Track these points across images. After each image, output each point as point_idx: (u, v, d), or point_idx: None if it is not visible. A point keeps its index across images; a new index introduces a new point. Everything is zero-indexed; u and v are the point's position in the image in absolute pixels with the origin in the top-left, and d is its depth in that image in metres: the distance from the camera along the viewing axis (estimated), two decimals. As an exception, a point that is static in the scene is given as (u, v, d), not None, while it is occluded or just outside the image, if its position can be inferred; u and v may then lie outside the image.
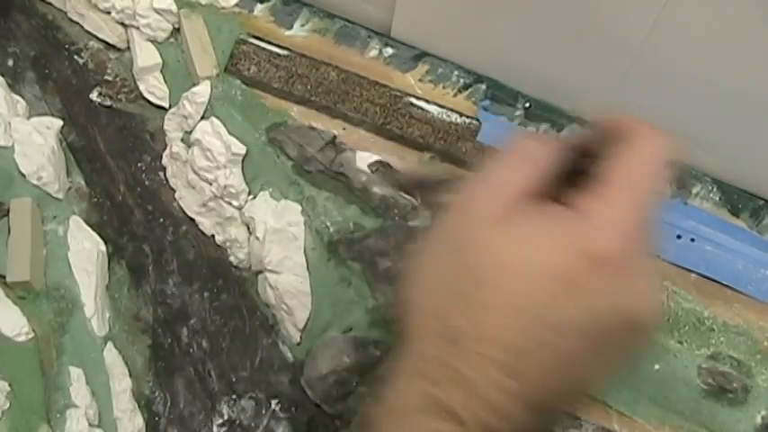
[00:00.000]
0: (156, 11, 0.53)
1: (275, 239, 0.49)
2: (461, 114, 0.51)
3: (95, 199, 0.52)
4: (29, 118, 0.51)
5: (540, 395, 0.31)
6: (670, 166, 0.33)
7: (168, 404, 0.49)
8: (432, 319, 0.32)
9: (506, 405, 0.30)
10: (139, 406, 0.48)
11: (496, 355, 0.30)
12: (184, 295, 0.51)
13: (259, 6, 0.54)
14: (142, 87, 0.54)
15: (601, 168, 0.32)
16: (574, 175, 0.33)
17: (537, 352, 0.30)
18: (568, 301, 0.30)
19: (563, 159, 0.33)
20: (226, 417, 0.48)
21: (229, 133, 0.50)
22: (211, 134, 0.50)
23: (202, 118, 0.51)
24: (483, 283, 0.31)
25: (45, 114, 0.53)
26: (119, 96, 0.55)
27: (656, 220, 0.32)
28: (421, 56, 0.53)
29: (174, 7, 0.53)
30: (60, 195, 0.50)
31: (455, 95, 0.52)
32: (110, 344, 0.48)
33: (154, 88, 0.54)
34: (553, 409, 0.33)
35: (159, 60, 0.53)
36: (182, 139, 0.52)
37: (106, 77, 0.55)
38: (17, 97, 0.52)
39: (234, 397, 0.49)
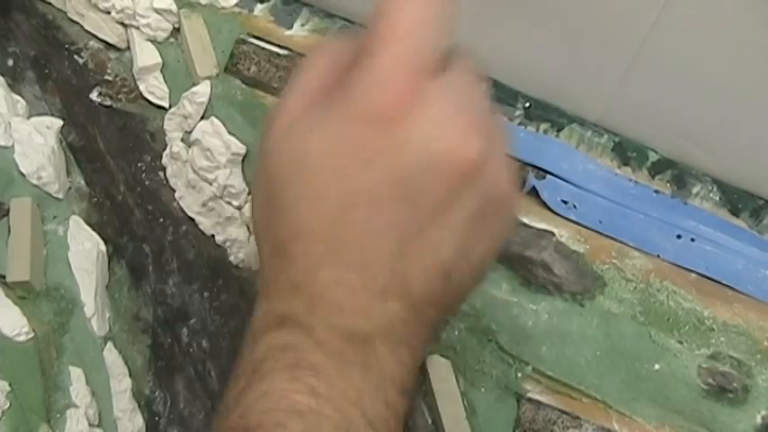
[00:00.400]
0: (156, 11, 0.53)
1: (275, 239, 0.49)
2: (461, 114, 0.51)
3: (95, 199, 0.52)
4: (29, 118, 0.51)
5: (389, 280, 0.29)
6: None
7: (168, 404, 0.49)
8: (263, 239, 0.32)
9: (351, 300, 0.29)
10: (139, 406, 0.48)
11: (319, 251, 0.29)
12: (184, 295, 0.51)
13: (259, 6, 0.54)
14: (142, 87, 0.54)
15: None
16: None
17: (358, 234, 0.29)
18: (360, 170, 0.29)
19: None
20: (226, 417, 0.48)
21: (229, 133, 0.50)
22: (211, 134, 0.50)
23: (202, 118, 0.51)
24: (286, 187, 0.31)
25: (45, 114, 0.53)
26: (119, 96, 0.55)
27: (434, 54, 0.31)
28: (421, 56, 0.53)
29: (174, 7, 0.53)
30: (60, 195, 0.50)
31: (455, 95, 0.52)
32: (110, 344, 0.48)
33: (154, 88, 0.54)
34: (426, 297, 0.31)
35: (159, 60, 0.53)
36: (182, 139, 0.52)
37: (106, 77, 0.55)
38: (17, 97, 0.52)
39: (234, 397, 0.49)
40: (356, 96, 0.30)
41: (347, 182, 0.30)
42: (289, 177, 0.31)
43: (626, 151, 0.51)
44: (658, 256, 0.48)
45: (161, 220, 0.52)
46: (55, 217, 0.49)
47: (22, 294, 0.46)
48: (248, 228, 0.51)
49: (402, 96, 0.30)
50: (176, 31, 0.54)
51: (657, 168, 0.51)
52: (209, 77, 0.52)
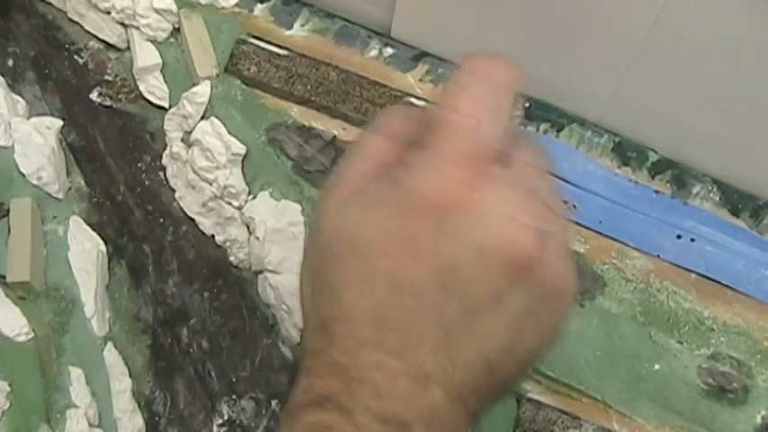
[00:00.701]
0: (156, 11, 0.53)
1: (275, 240, 0.49)
2: (461, 114, 0.51)
3: (95, 199, 0.52)
4: (29, 118, 0.51)
5: (432, 368, 0.29)
6: (501, 91, 0.32)
7: (168, 404, 0.49)
8: (310, 313, 0.32)
9: (392, 386, 0.28)
10: (139, 406, 0.48)
11: (365, 334, 0.29)
12: (184, 295, 0.51)
13: (259, 6, 0.54)
14: (142, 87, 0.54)
15: None
16: None
17: (403, 321, 0.29)
18: (411, 259, 0.29)
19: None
20: (226, 417, 0.48)
21: (229, 133, 0.50)
22: (211, 134, 0.50)
23: (202, 118, 0.51)
24: (335, 267, 0.30)
25: (45, 114, 0.53)
26: (119, 96, 0.55)
27: (503, 143, 0.31)
28: (421, 56, 0.53)
29: (174, 7, 0.53)
30: (60, 195, 0.50)
31: (455, 95, 0.52)
32: (110, 344, 0.48)
33: (154, 88, 0.54)
34: (468, 387, 0.30)
35: (159, 60, 0.53)
36: (182, 139, 0.52)
37: (106, 77, 0.55)
38: (17, 97, 0.52)
39: (234, 397, 0.49)
40: (412, 183, 0.30)
41: (397, 269, 0.29)
42: (339, 257, 0.30)
43: (626, 151, 0.51)
44: (658, 256, 0.48)
45: (161, 220, 0.52)
46: (55, 217, 0.49)
47: (22, 294, 0.46)
48: (248, 228, 0.51)
49: (459, 188, 0.29)
50: (176, 31, 0.54)
51: (657, 168, 0.51)
52: (209, 77, 0.52)
